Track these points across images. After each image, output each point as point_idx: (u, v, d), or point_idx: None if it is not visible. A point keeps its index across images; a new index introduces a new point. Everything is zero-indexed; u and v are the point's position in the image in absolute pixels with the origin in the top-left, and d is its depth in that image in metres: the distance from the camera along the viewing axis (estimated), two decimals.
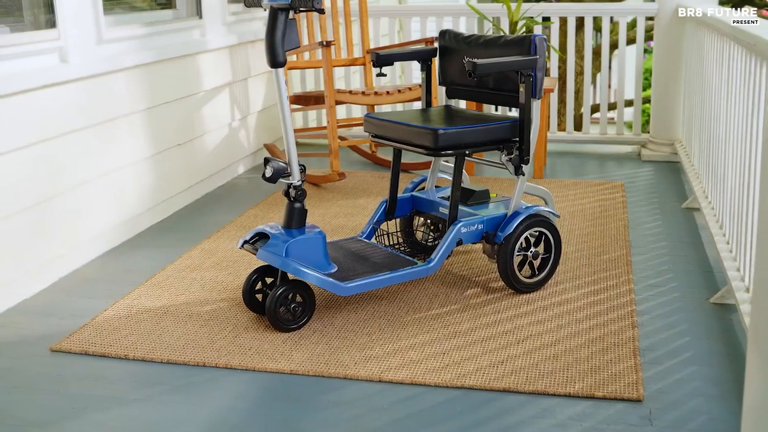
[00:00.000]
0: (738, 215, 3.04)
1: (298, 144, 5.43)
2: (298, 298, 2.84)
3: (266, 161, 2.82)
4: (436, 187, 3.48)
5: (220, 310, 3.02)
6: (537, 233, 3.13)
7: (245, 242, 2.90)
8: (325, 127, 5.12)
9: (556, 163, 5.19)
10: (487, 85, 3.18)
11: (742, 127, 3.05)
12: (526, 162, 3.05)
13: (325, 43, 4.41)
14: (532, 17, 5.14)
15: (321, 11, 2.64)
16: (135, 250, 3.72)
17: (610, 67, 6.88)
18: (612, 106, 6.64)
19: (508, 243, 3.03)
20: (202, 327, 2.89)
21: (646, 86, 9.63)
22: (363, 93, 4.63)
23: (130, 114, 3.85)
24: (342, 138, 5.42)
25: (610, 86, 10.10)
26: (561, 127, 6.41)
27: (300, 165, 2.87)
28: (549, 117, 5.50)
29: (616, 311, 2.94)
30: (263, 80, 5.28)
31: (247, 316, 2.96)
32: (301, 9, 2.63)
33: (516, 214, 3.07)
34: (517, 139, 3.05)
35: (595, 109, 6.18)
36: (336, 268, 2.90)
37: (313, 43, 4.93)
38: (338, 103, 4.62)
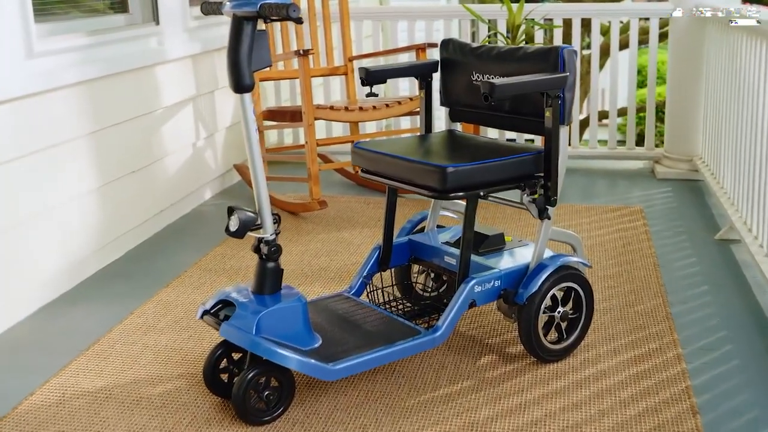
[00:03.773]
0: None
1: (271, 163, 4.83)
2: (273, 383, 2.25)
3: (230, 211, 2.23)
4: (437, 227, 2.90)
5: (176, 392, 2.42)
6: (565, 289, 2.56)
7: (206, 312, 2.31)
8: (303, 145, 4.53)
9: (564, 183, 4.61)
10: (502, 107, 2.61)
11: None
12: (553, 203, 2.48)
13: (302, 51, 3.82)
14: (533, 19, 4.58)
15: (298, 21, 2.05)
16: (77, 304, 3.11)
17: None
18: (622, 112, 6.08)
19: (532, 304, 2.46)
20: (153, 418, 2.29)
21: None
22: (346, 108, 4.04)
23: (72, 139, 3.24)
24: (324, 158, 4.83)
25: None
26: None
27: (274, 215, 2.28)
28: None
29: (668, 388, 2.38)
30: (232, 92, 4.66)
31: (209, 401, 2.37)
32: (272, 18, 2.05)
33: (541, 267, 2.49)
34: (542, 174, 2.48)
35: (603, 115, 5.61)
36: (320, 342, 2.32)
37: (288, 51, 4.34)
38: (317, 119, 4.03)
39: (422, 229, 2.90)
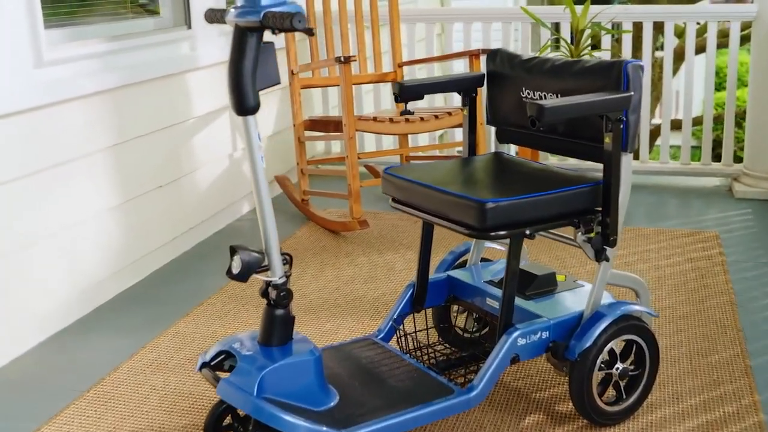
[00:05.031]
0: None
1: (312, 176, 4.54)
2: None
3: (233, 251, 1.94)
4: (482, 261, 2.57)
5: None
6: (625, 341, 2.21)
7: (205, 364, 2.02)
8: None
9: (630, 202, 4.20)
10: (555, 129, 2.26)
11: None
12: (613, 243, 2.13)
13: (343, 58, 3.51)
14: (600, 23, 4.20)
15: (308, 32, 1.75)
16: (87, 335, 2.86)
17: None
18: (697, 121, 5.61)
19: (585, 360, 2.11)
20: None
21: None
22: (391, 120, 3.72)
23: (89, 154, 3.00)
24: (372, 171, 4.54)
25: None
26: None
27: (284, 255, 1.98)
28: None
29: None
30: (275, 98, 4.40)
31: None
32: (278, 29, 1.74)
33: (597, 316, 2.14)
34: (600, 209, 2.13)
35: (676, 124, 5.16)
36: (336, 399, 2.01)
37: (329, 58, 4.04)
38: (359, 131, 3.73)
39: (465, 263, 2.57)
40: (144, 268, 3.34)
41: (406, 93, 2.35)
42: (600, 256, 2.14)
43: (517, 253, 2.08)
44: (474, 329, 2.59)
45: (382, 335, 2.36)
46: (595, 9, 4.15)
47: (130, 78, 3.19)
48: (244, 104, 1.84)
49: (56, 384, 2.52)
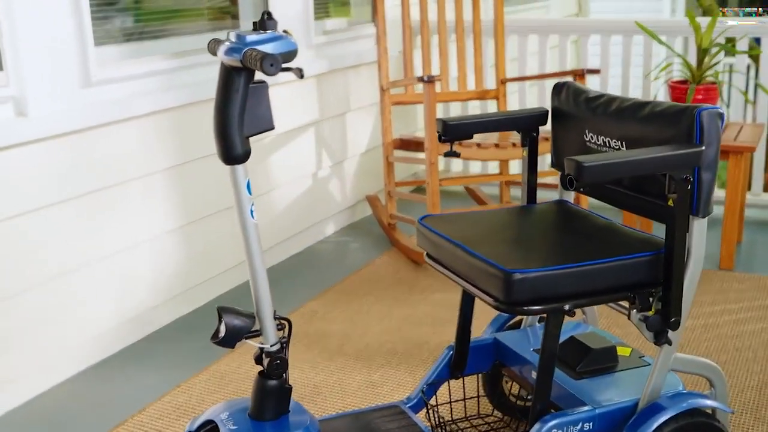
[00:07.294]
0: None
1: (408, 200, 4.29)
2: None
3: (220, 313, 1.72)
4: (540, 321, 2.24)
5: None
6: None
7: None
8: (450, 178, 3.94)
9: (757, 243, 3.74)
10: (621, 181, 1.91)
11: None
12: (675, 326, 1.76)
13: (426, 78, 3.25)
14: (733, 40, 3.73)
15: (298, 73, 1.50)
16: (126, 367, 2.73)
17: None
18: None
19: None
20: None
21: None
22: (478, 145, 3.42)
23: (145, 175, 2.87)
24: (473, 195, 4.26)
25: None
26: None
27: (280, 320, 1.74)
28: (751, 173, 4.06)
29: None
30: (370, 114, 4.18)
31: None
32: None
33: (654, 409, 1.79)
34: (661, 282, 1.77)
35: None
36: None
37: (424, 74, 3.77)
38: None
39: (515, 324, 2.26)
40: (205, 294, 3.20)
41: (450, 132, 2.06)
42: (660, 338, 1.78)
43: (555, 330, 1.76)
44: (528, 396, 2.27)
45: (411, 403, 2.09)
46: (727, 22, 3.68)
47: (195, 96, 3.04)
48: (231, 152, 1.61)
49: (77, 423, 2.40)
